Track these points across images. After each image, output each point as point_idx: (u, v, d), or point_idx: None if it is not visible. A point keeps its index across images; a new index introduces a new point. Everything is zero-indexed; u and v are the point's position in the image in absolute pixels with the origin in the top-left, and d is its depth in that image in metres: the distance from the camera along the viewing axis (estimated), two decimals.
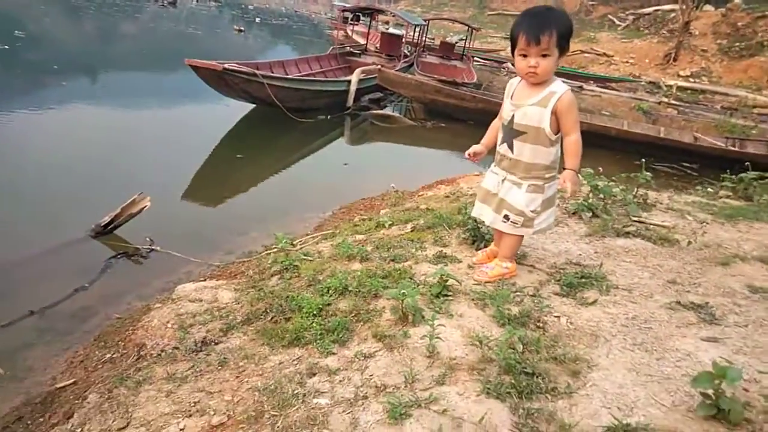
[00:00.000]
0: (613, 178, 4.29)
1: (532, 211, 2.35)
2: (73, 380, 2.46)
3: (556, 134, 2.25)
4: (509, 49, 2.32)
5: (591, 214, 3.46)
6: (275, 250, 3.49)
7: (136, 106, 8.91)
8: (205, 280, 3.34)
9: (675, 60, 23.32)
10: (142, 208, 4.11)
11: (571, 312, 2.20)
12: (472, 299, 2.29)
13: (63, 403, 2.26)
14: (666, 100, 17.39)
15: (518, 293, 2.34)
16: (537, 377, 1.70)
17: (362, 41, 18.30)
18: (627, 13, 31.48)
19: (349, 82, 10.38)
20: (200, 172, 6.12)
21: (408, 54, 16.61)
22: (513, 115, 2.31)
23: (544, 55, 2.15)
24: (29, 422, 2.17)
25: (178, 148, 6.85)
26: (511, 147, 2.34)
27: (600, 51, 26.34)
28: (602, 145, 8.55)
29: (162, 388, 1.95)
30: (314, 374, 1.86)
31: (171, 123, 8.25)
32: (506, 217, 2.38)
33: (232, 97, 8.13)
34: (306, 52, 24.64)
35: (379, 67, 11.39)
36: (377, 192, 5.50)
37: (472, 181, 4.96)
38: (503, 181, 2.39)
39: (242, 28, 26.02)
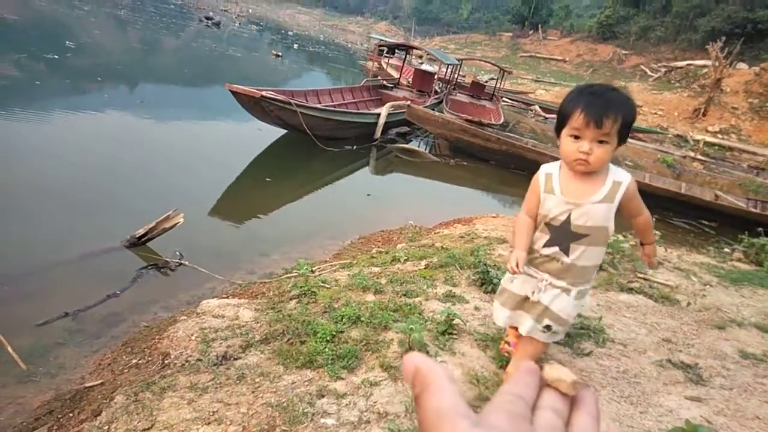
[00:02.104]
0: (624, 233, 4.43)
1: (574, 318, 2.07)
2: (100, 381, 2.66)
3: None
4: (554, 128, 1.91)
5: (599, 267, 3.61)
6: (295, 275, 3.71)
7: (173, 120, 9.34)
8: (228, 297, 3.55)
9: (704, 115, 23.37)
10: (175, 224, 4.36)
11: (566, 360, 2.35)
12: (475, 339, 2.45)
13: (91, 401, 2.46)
14: (692, 154, 17.41)
15: None
16: None
17: (395, 74, 18.79)
18: (659, 65, 31.74)
19: (378, 115, 10.71)
20: (230, 191, 6.41)
21: (439, 91, 16.99)
22: (569, 216, 1.91)
23: (602, 142, 1.78)
24: (59, 416, 2.37)
25: (210, 165, 7.17)
26: (566, 251, 1.94)
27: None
28: None
29: (184, 396, 2.15)
30: (323, 396, 2.04)
31: (205, 139, 8.61)
32: (548, 327, 2.03)
33: (266, 122, 8.49)
34: (339, 79, 25.36)
35: (409, 103, 11.71)
36: (396, 225, 5.70)
37: (487, 223, 5.13)
38: (546, 286, 2.00)
39: (280, 53, 26.84)
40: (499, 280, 3.01)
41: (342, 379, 2.16)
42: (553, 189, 1.93)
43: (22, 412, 2.51)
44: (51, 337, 3.16)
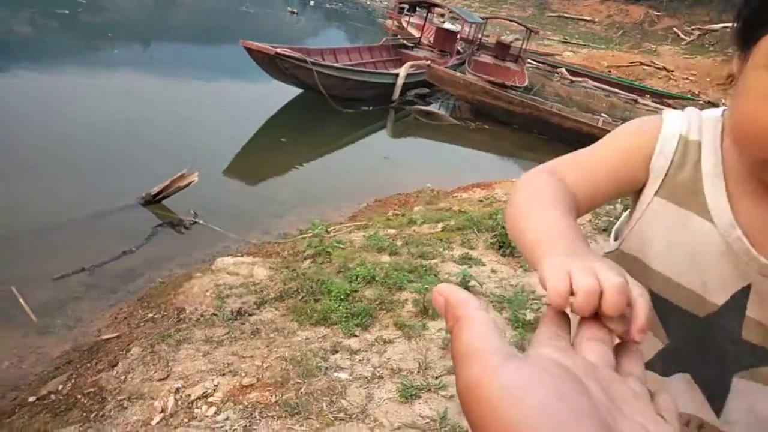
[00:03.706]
0: None
1: None
2: (117, 334, 2.70)
3: None
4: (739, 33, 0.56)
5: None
6: (310, 234, 3.69)
7: (186, 78, 9.26)
8: (242, 255, 3.56)
9: (732, 82, 22.63)
10: (190, 183, 4.35)
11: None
12: (491, 301, 2.42)
13: (108, 352, 2.50)
14: None
15: (535, 300, 2.45)
16: None
17: (416, 33, 18.36)
18: (693, 27, 30.55)
19: (397, 75, 10.50)
20: (245, 151, 6.37)
21: (461, 51, 16.59)
22: (743, 296, 0.58)
23: None
24: (78, 366, 2.41)
25: (225, 124, 7.11)
26: (717, 396, 0.63)
27: (660, 65, 25.70)
28: None
29: (200, 349, 2.16)
30: (337, 351, 2.03)
31: (220, 98, 8.52)
32: None
33: (281, 80, 8.37)
34: (357, 38, 24.89)
35: (429, 63, 11.46)
36: (413, 188, 5.63)
37: (507, 187, 5.04)
38: None
39: (295, 10, 26.38)
40: None
41: (356, 336, 2.15)
42: (707, 202, 0.59)
43: (42, 361, 2.55)
44: (68, 292, 3.20)
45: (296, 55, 7.72)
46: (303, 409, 1.63)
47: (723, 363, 0.61)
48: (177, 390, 1.87)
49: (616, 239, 0.69)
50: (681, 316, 0.61)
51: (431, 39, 17.38)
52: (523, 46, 18.67)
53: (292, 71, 7.81)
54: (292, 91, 8.97)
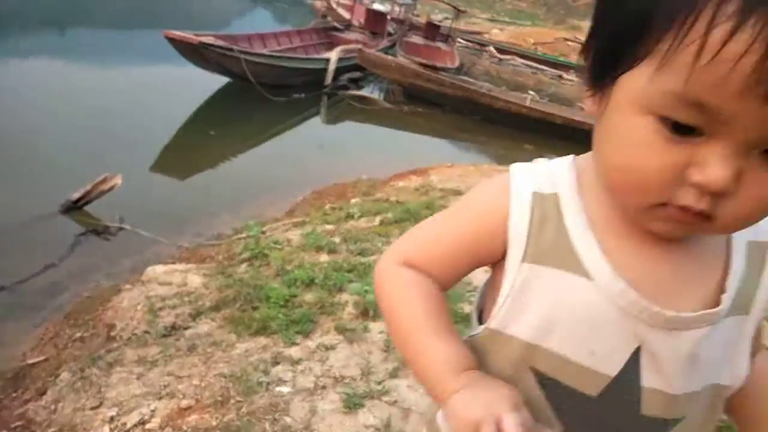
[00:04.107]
0: None
1: None
2: (44, 357, 2.54)
3: None
4: (590, 69, 0.50)
5: None
6: (245, 236, 3.60)
7: (107, 68, 8.79)
8: (174, 262, 3.43)
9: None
10: (113, 186, 4.14)
11: None
12: None
13: (35, 379, 2.35)
14: None
15: (472, 293, 2.51)
16: None
17: (345, 14, 18.12)
18: None
19: (328, 60, 10.35)
20: (172, 146, 6.12)
21: (392, 32, 16.55)
22: (635, 363, 0.53)
23: None
24: (2, 396, 2.26)
25: (149, 119, 6.79)
26: None
27: (583, 40, 26.62)
28: (571, 138, 8.76)
29: (133, 371, 2.07)
30: (278, 363, 2.00)
31: (143, 89, 8.06)
32: None
33: (207, 69, 8.07)
34: (285, 20, 24.30)
35: (360, 47, 11.36)
36: (350, 177, 5.60)
37: (442, 173, 5.12)
38: None
39: None
40: None
41: (296, 344, 2.13)
42: (579, 258, 0.53)
43: None
44: None
45: (221, 43, 7.45)
46: (249, 426, 1.60)
47: None
48: (111, 419, 1.80)
49: (479, 317, 0.64)
50: (573, 398, 0.54)
51: (362, 20, 17.23)
52: (452, 26, 18.84)
53: (218, 60, 7.54)
54: (219, 80, 8.67)
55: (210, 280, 2.91)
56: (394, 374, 1.89)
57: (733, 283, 0.53)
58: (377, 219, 3.56)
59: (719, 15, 0.37)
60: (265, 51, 9.30)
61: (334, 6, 22.22)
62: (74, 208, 4.04)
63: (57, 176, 4.61)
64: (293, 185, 5.42)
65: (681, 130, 0.42)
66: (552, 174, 0.57)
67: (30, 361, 2.54)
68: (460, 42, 21.02)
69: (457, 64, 14.91)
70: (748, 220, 0.46)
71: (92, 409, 1.89)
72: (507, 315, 0.55)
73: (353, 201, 4.32)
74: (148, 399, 1.89)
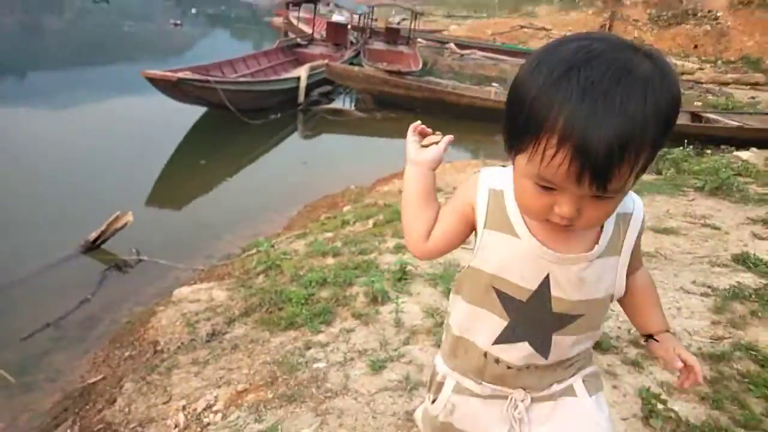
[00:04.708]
0: None
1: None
2: (102, 376, 2.93)
3: None
4: (504, 136, 0.87)
5: None
6: (254, 251, 4.02)
7: (81, 108, 9.09)
8: (196, 283, 3.83)
9: (610, 30, 24.64)
10: (126, 223, 4.52)
11: None
12: (426, 280, 2.90)
13: (100, 393, 2.74)
14: None
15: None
16: None
17: (305, 29, 18.55)
18: None
19: (299, 78, 10.78)
20: (167, 179, 6.50)
21: (355, 41, 17.02)
22: (547, 282, 0.97)
23: (599, 197, 0.82)
24: (76, 411, 2.65)
25: (137, 155, 7.13)
26: (544, 348, 1.03)
27: (539, 25, 27.37)
28: None
29: (190, 371, 2.48)
30: (310, 348, 2.43)
31: (120, 126, 8.24)
32: None
33: (186, 102, 8.45)
34: (245, 39, 24.62)
35: (327, 62, 11.80)
36: (337, 188, 6.03)
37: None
38: (528, 407, 1.07)
39: (179, 22, 25.70)
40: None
41: (322, 332, 2.56)
42: (513, 226, 0.96)
43: (37, 416, 2.75)
44: (37, 348, 3.35)
45: (198, 76, 7.84)
46: (297, 396, 2.03)
47: (545, 328, 0.98)
48: (183, 407, 2.21)
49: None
50: (513, 302, 0.96)
51: (323, 33, 17.64)
52: (411, 27, 19.34)
53: (197, 93, 7.94)
54: (196, 110, 9.01)
55: (233, 292, 3.32)
56: (406, 342, 2.33)
57: (604, 238, 0.92)
58: (370, 222, 4.00)
59: (549, 142, 0.73)
60: (239, 77, 9.69)
61: (294, 21, 22.63)
62: (93, 248, 4.42)
63: (63, 220, 4.98)
64: (285, 202, 5.84)
65: (545, 188, 0.79)
66: (503, 176, 0.95)
67: (90, 381, 2.93)
68: (420, 42, 21.57)
69: (420, 66, 15.42)
70: (593, 225, 0.86)
71: (164, 404, 2.30)
72: (479, 258, 0.97)
73: (345, 209, 4.76)
74: (209, 389, 2.30)
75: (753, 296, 2.62)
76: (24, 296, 3.87)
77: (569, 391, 1.07)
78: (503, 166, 0.99)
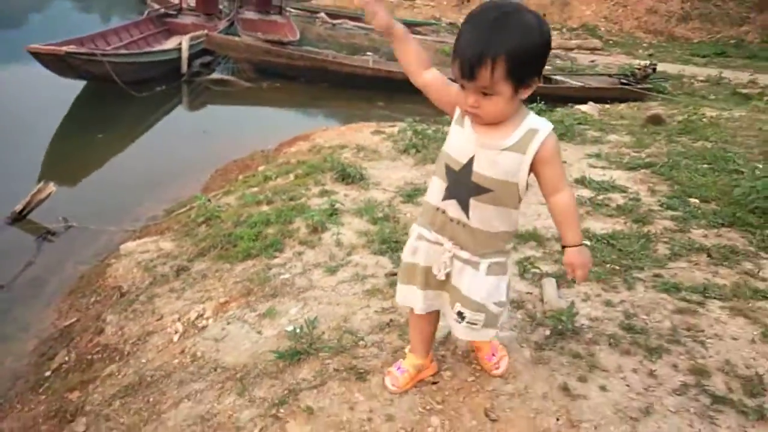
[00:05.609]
0: (426, 122, 5.85)
1: (496, 304, 1.66)
2: (75, 318, 3.31)
3: (525, 191, 1.57)
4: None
5: (415, 150, 4.98)
6: (188, 208, 4.47)
7: None
8: (136, 240, 4.21)
9: (468, 1, 26.20)
10: (49, 194, 4.70)
11: (408, 211, 3.66)
12: (353, 214, 3.63)
13: (82, 330, 3.13)
14: None
15: (379, 205, 3.73)
16: (396, 242, 3.11)
17: None
18: None
19: (180, 49, 10.73)
20: (72, 153, 6.51)
21: (225, 11, 16.79)
22: (472, 159, 1.52)
23: (487, 94, 1.40)
24: (65, 344, 3.04)
25: (30, 133, 6.97)
26: (465, 208, 1.56)
27: None
28: (415, 91, 10.24)
29: (170, 296, 3.00)
30: (271, 269, 3.05)
31: (4, 105, 7.99)
32: (460, 314, 1.67)
33: (69, 77, 8.22)
34: (107, 9, 22.92)
35: (206, 32, 11.77)
36: (243, 153, 6.47)
37: (324, 135, 6.21)
38: (450, 259, 1.63)
39: None
40: (356, 171, 4.20)
41: (276, 257, 3.18)
42: (464, 122, 1.53)
43: (22, 357, 3.08)
44: None
45: (85, 50, 7.70)
46: (277, 293, 2.68)
47: (466, 192, 1.53)
48: (178, 319, 2.75)
49: None
50: (451, 171, 1.56)
51: (189, 2, 17.14)
52: None
53: (83, 67, 7.79)
54: (68, 85, 8.66)
55: (180, 242, 3.79)
56: (349, 254, 3.05)
57: (512, 139, 1.46)
58: (291, 176, 4.60)
59: (455, 56, 1.38)
60: (124, 51, 9.51)
61: None
62: (19, 218, 4.56)
63: None
64: (195, 168, 6.19)
65: (462, 87, 1.42)
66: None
67: (65, 323, 3.30)
68: (290, 11, 21.62)
69: (298, 36, 15.73)
70: (492, 116, 1.43)
71: (157, 320, 2.82)
72: (445, 143, 1.61)
73: (261, 168, 5.30)
74: (194, 305, 2.85)
75: (588, 203, 3.71)
76: None
77: (475, 266, 1.61)
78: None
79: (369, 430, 1.70)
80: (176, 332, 2.67)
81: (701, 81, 13.27)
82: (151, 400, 2.03)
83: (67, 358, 2.89)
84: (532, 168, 1.49)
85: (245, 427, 1.74)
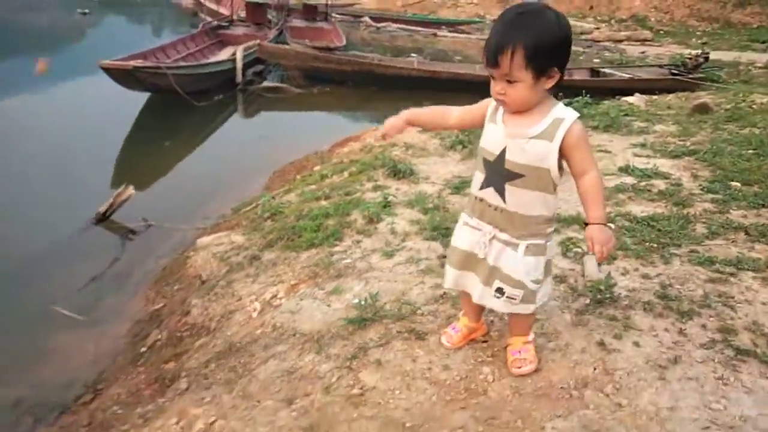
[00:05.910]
0: None
1: (533, 281, 1.82)
2: (162, 304, 3.75)
3: (560, 177, 1.73)
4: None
5: (462, 146, 5.23)
6: (253, 206, 4.88)
7: (31, 101, 9.26)
8: (211, 234, 4.64)
9: None
10: (129, 196, 5.22)
11: (456, 201, 3.92)
12: (405, 205, 3.92)
13: (170, 313, 3.56)
14: None
15: (429, 197, 4.01)
16: (447, 229, 3.38)
17: (216, 8, 18.58)
18: None
19: (234, 60, 11.34)
20: (143, 160, 7.11)
21: (274, 21, 17.47)
22: (505, 149, 1.73)
23: (510, 81, 1.62)
24: (156, 325, 3.47)
25: (103, 143, 7.63)
26: (501, 193, 1.77)
27: None
28: (460, 89, 10.48)
29: (246, 281, 3.37)
30: (333, 255, 3.38)
31: (78, 119, 8.55)
32: (500, 290, 1.83)
33: (136, 90, 8.89)
34: (155, 23, 24.22)
35: (259, 41, 12.36)
36: (299, 155, 6.89)
37: (374, 135, 6.54)
38: (491, 240, 1.83)
39: (87, 11, 24.72)
40: (407, 167, 4.49)
41: (337, 246, 3.51)
42: (496, 119, 1.77)
43: (116, 336, 3.53)
44: (89, 297, 4.07)
45: (151, 63, 8.33)
46: (342, 275, 3.00)
47: (501, 179, 1.74)
48: (255, 299, 3.11)
49: None
50: (487, 162, 1.79)
51: (240, 14, 17.89)
52: (327, 2, 19.89)
53: (150, 80, 8.43)
54: (133, 98, 9.31)
55: (250, 235, 4.18)
56: (403, 240, 3.34)
57: (539, 128, 1.66)
58: (345, 174, 4.94)
59: (484, 52, 1.64)
60: (185, 63, 10.16)
61: (204, 1, 22.46)
62: (103, 219, 5.09)
63: (60, 201, 5.57)
64: (255, 170, 6.65)
65: (492, 77, 1.66)
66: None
67: (154, 308, 3.74)
68: (335, 17, 22.20)
69: (344, 41, 16.20)
70: (517, 103, 1.65)
71: (237, 301, 3.19)
72: (481, 139, 1.84)
73: (317, 168, 5.67)
74: (268, 288, 3.20)
75: (630, 189, 3.87)
76: (55, 263, 4.51)
77: (514, 247, 1.79)
78: None
79: (430, 377, 1.98)
80: (255, 310, 3.03)
81: (759, 68, 12.88)
82: (242, 360, 2.38)
83: (159, 337, 3.30)
84: (562, 153, 1.66)
85: (325, 376, 2.05)
